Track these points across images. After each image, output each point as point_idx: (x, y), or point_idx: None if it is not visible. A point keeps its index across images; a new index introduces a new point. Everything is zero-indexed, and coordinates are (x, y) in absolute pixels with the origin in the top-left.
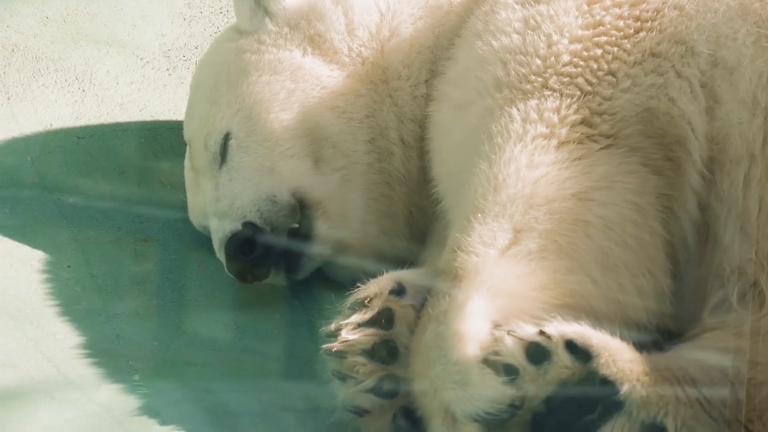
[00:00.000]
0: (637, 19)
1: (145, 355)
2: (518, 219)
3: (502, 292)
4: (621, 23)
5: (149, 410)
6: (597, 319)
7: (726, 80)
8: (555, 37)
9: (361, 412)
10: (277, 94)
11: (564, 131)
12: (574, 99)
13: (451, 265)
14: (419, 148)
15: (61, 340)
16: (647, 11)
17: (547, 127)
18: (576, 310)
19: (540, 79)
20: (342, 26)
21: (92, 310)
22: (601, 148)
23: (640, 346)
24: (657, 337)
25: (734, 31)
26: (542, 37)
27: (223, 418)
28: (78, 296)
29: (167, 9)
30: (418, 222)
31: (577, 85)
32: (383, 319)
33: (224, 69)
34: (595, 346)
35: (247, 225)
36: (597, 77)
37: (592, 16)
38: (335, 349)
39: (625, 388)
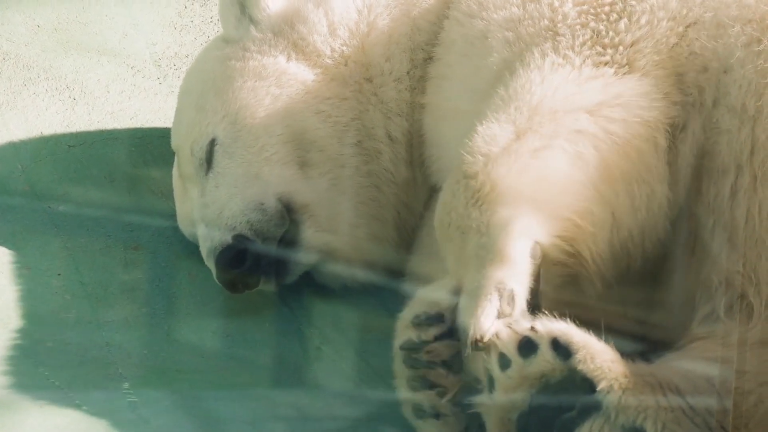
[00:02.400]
0: None
1: (134, 362)
2: (521, 123)
3: (519, 199)
4: None
5: (139, 418)
6: (594, 235)
7: (722, 77)
8: (557, 3)
9: (438, 416)
10: (262, 100)
11: (578, 60)
12: (587, 38)
13: (460, 171)
14: (407, 143)
15: (50, 348)
16: None
17: (563, 59)
18: (578, 219)
19: (550, 32)
20: (324, 28)
21: (82, 317)
22: (614, 74)
23: (627, 356)
24: (646, 347)
25: (730, 24)
26: (544, 6)
27: (212, 426)
28: (68, 304)
29: (158, 18)
30: (406, 224)
31: (589, 28)
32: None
33: (210, 77)
34: (576, 343)
35: (238, 237)
36: (609, 21)
37: None
38: (423, 359)
39: (602, 386)
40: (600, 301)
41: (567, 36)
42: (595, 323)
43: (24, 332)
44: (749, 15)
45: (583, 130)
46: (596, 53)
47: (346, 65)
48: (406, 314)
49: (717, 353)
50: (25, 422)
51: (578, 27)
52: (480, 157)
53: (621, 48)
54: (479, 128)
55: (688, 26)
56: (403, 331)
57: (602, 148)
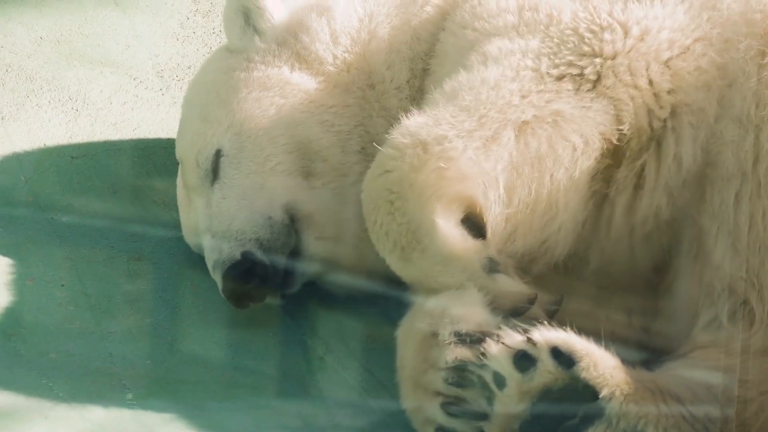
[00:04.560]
0: (635, 0)
1: (138, 373)
2: (444, 116)
3: (423, 193)
4: (621, 3)
5: (142, 429)
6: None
7: (726, 92)
8: (555, 12)
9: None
10: (267, 110)
11: (545, 64)
12: (570, 45)
13: (381, 165)
14: None
15: (54, 359)
16: None
17: (533, 61)
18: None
19: (541, 34)
20: (326, 36)
21: (86, 328)
22: (573, 90)
23: (628, 362)
24: (648, 355)
25: (738, 39)
26: (542, 15)
27: None
28: (72, 315)
29: (160, 29)
30: None
31: (578, 34)
32: None
33: (215, 87)
34: (578, 351)
35: (246, 254)
36: (601, 27)
37: (590, 2)
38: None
39: (604, 392)
40: (602, 308)
41: (554, 38)
42: (595, 330)
43: (28, 343)
44: (755, 30)
45: (500, 138)
46: (567, 63)
47: (348, 72)
48: (440, 332)
49: (718, 362)
50: None
51: (569, 32)
52: (390, 161)
53: (598, 59)
54: (404, 122)
55: (696, 40)
56: (445, 350)
57: (519, 162)
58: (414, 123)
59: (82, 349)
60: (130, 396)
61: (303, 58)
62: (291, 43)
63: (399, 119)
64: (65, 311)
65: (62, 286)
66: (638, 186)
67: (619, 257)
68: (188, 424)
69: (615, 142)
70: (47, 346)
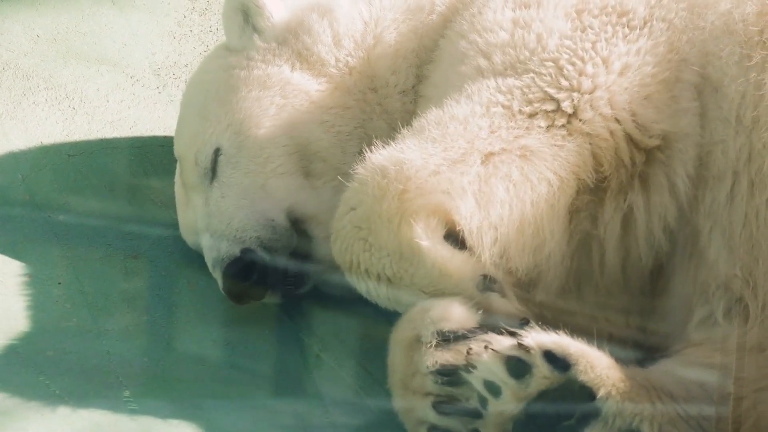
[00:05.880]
0: (626, 26)
1: (135, 371)
2: (407, 145)
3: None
4: (610, 29)
5: (139, 427)
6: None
7: (712, 97)
8: (545, 35)
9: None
10: (267, 110)
11: (517, 101)
12: (548, 77)
13: (346, 203)
14: None
15: (51, 357)
16: (634, 20)
17: (507, 99)
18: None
19: (523, 66)
20: (328, 38)
21: (82, 326)
22: (545, 127)
23: (621, 360)
24: (642, 353)
25: (720, 49)
26: (532, 35)
27: None
28: (68, 313)
29: (157, 27)
30: None
31: (558, 66)
32: None
33: (214, 86)
34: (573, 354)
35: (246, 251)
36: (582, 60)
37: (581, 22)
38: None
39: (601, 393)
40: (597, 307)
41: (534, 72)
42: (589, 328)
43: (25, 341)
44: (738, 38)
45: (466, 161)
46: (541, 98)
47: (350, 75)
48: (423, 333)
49: (711, 359)
50: (25, 431)
51: (550, 64)
52: (354, 197)
53: (575, 93)
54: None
55: (675, 68)
56: (427, 353)
57: (494, 184)
58: (377, 155)
59: (79, 347)
60: (126, 394)
61: (304, 58)
62: (292, 42)
63: (401, 122)
64: (62, 309)
65: (59, 284)
66: (628, 226)
67: (614, 287)
68: (185, 422)
69: (591, 184)
70: (44, 344)
